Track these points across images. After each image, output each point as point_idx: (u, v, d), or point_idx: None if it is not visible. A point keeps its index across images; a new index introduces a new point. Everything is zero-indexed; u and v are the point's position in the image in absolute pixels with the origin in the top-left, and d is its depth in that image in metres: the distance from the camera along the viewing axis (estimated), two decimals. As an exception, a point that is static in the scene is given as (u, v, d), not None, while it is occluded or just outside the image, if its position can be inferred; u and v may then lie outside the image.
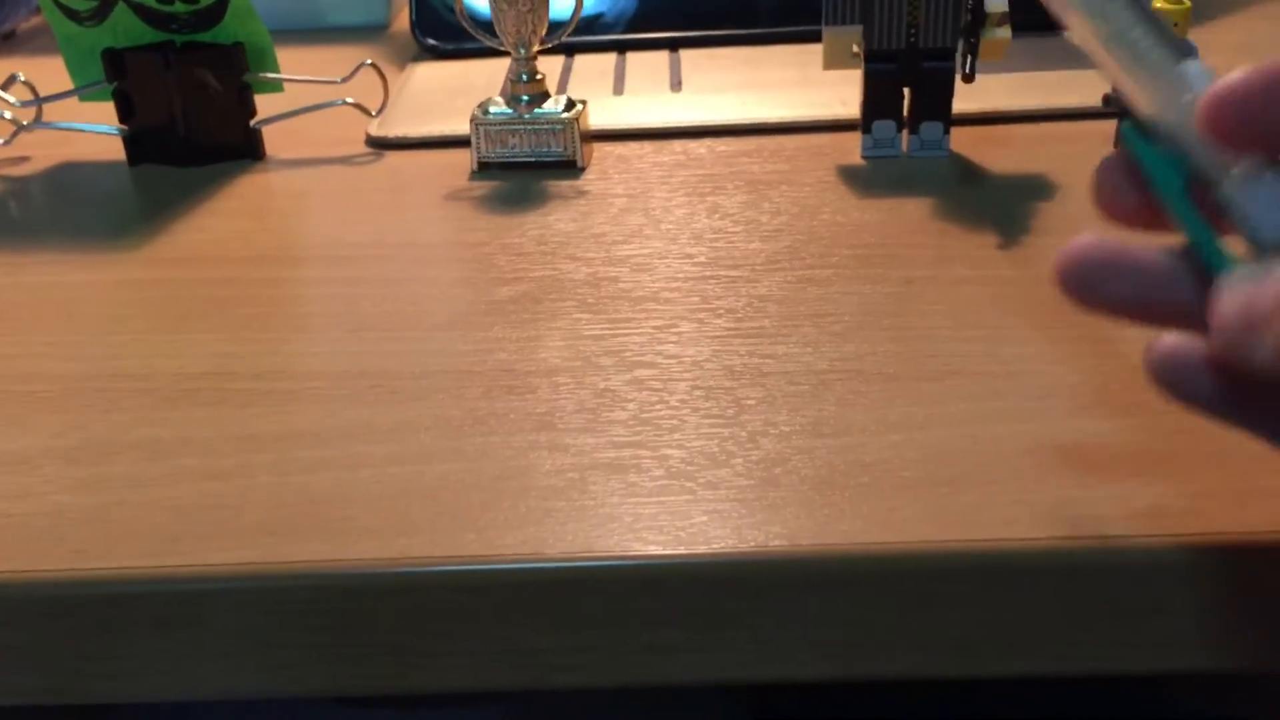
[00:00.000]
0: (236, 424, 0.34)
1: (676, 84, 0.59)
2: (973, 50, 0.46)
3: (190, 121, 0.52)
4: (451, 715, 0.73)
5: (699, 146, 0.52)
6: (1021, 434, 0.31)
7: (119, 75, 0.52)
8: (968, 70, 0.47)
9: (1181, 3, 0.45)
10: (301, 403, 0.35)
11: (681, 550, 0.28)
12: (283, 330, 0.39)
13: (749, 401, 0.34)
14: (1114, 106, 0.48)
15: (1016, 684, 0.70)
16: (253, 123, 0.53)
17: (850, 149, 0.50)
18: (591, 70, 0.61)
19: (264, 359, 0.37)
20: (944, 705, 0.81)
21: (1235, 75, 0.22)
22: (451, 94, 0.58)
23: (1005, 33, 0.46)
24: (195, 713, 0.74)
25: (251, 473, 0.31)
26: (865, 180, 0.48)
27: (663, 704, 0.73)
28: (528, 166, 0.50)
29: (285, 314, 0.40)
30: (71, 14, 0.51)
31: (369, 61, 0.53)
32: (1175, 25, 0.46)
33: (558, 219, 0.46)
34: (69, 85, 0.53)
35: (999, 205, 0.45)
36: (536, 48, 0.50)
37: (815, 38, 0.49)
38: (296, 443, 0.33)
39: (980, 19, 0.46)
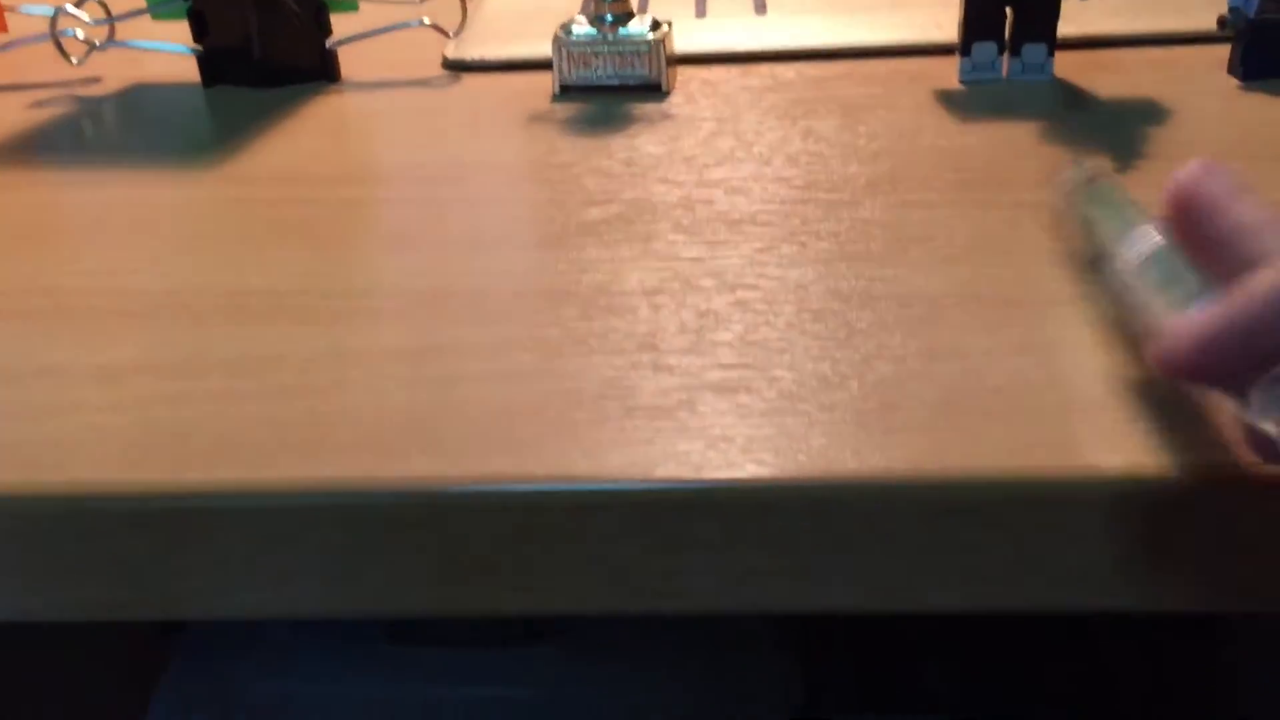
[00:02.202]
0: (330, 340, 0.33)
1: (761, 6, 0.56)
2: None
3: (265, 42, 0.51)
4: (496, 656, 0.73)
5: (787, 70, 0.50)
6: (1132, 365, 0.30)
7: (193, -7, 0.51)
8: (1080, -16, 0.44)
9: None
10: (394, 320, 0.33)
11: (799, 473, 0.27)
12: (370, 248, 0.38)
13: (860, 325, 0.32)
14: (1229, 29, 0.46)
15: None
16: (328, 43, 0.51)
17: (946, 74, 0.48)
18: (671, -7, 0.59)
19: (353, 276, 0.36)
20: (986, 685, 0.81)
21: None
22: (529, 16, 0.56)
23: (1119, -53, 0.44)
24: (262, 634, 0.74)
25: (348, 389, 0.30)
26: (964, 105, 0.46)
27: (709, 652, 0.72)
28: (610, 90, 0.49)
29: (371, 232, 0.39)
30: (145, -71, 0.50)
31: (447, -20, 0.52)
32: None
33: (645, 142, 0.44)
34: (142, 4, 0.52)
35: (1107, 130, 0.43)
36: (622, -36, 0.48)
37: (909, -42, 0.47)
38: (392, 360, 0.32)
39: (1094, -69, 0.43)
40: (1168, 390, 0.28)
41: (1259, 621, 0.64)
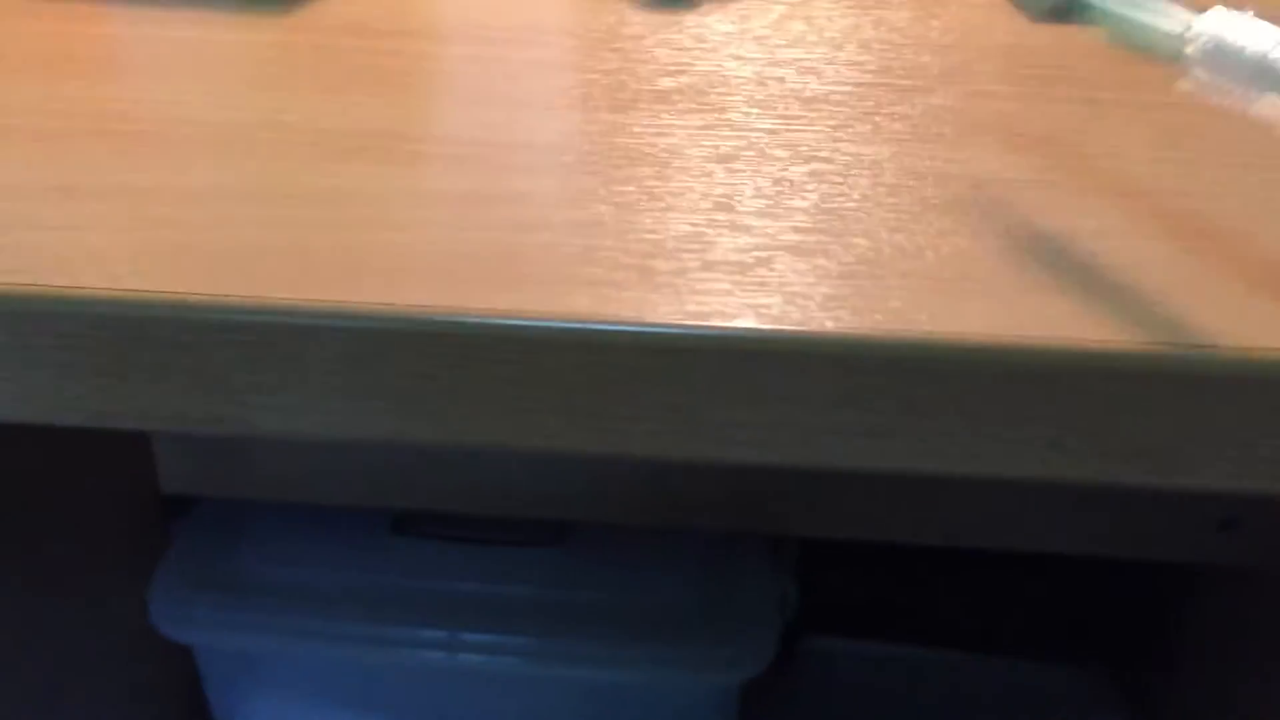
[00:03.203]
0: (408, 181, 0.33)
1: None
2: None
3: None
4: (497, 553, 0.74)
5: (858, -38, 0.50)
6: (1223, 249, 0.30)
7: None
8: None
9: None
10: (472, 167, 0.34)
11: (874, 331, 0.27)
12: (445, 101, 0.38)
13: (935, 201, 0.32)
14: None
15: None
16: (396, -97, 0.51)
17: (1018, -23, 0.48)
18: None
19: (429, 125, 0.36)
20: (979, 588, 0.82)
21: None
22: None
23: None
24: (266, 519, 0.75)
25: (428, 226, 0.31)
26: (1039, 6, 0.46)
27: (713, 562, 0.74)
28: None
29: (446, 86, 0.39)
30: None
31: None
32: None
33: (716, 20, 0.44)
34: None
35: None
36: None
37: None
38: (471, 203, 0.32)
39: None
40: (1236, 278, 0.29)
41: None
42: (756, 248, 0.30)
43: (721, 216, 0.31)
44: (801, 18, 0.44)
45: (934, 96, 0.38)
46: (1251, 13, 0.26)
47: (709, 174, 0.33)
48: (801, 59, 0.41)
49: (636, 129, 0.36)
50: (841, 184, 0.33)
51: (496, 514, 0.73)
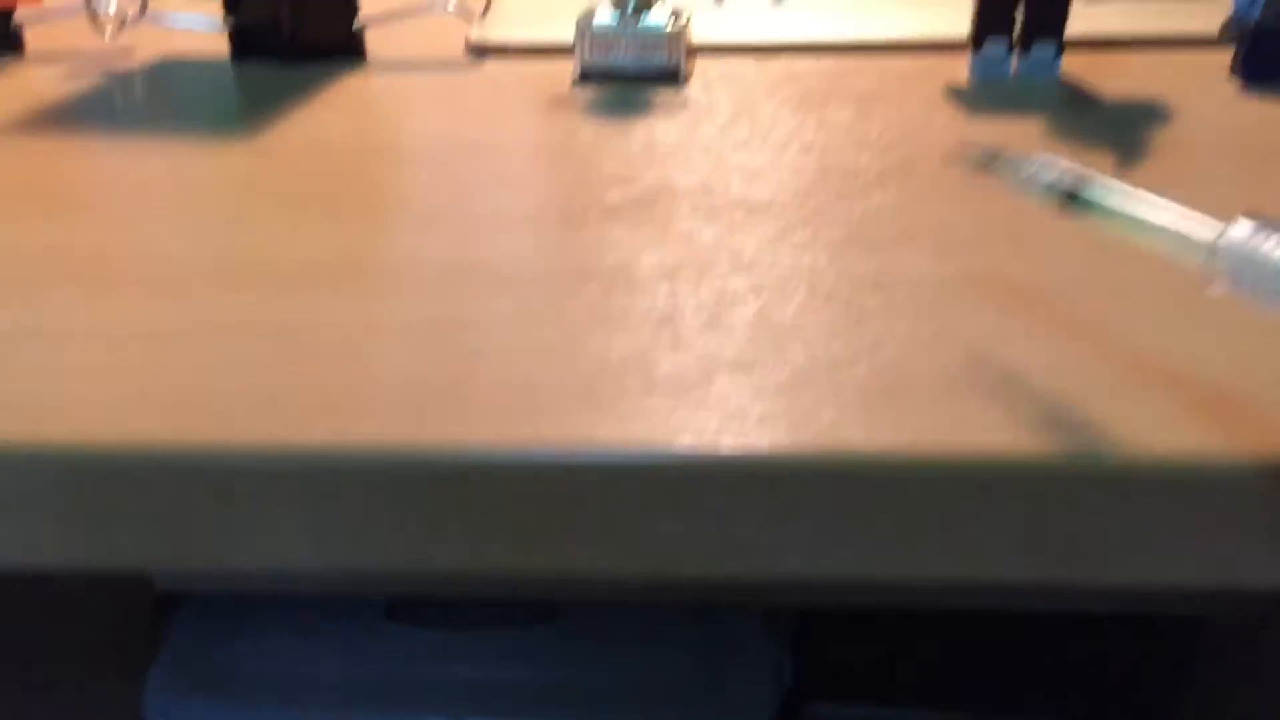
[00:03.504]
0: (361, 310, 0.34)
1: (778, -2, 0.58)
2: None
3: (296, 19, 0.52)
4: (497, 637, 0.74)
5: (802, 63, 0.52)
6: (1138, 350, 0.31)
7: (226, -30, 0.52)
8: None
9: None
10: (423, 292, 0.35)
11: (809, 445, 0.28)
12: (399, 222, 0.39)
13: (871, 307, 0.34)
14: (1233, 32, 0.47)
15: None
16: (356, 23, 0.53)
17: (957, 70, 0.50)
18: (690, -17, 0.61)
19: (381, 249, 0.38)
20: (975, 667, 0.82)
21: None
22: (552, 1, 0.58)
23: (1129, -48, 0.45)
24: (259, 611, 0.76)
25: (381, 357, 0.32)
26: (974, 101, 0.47)
27: (707, 635, 0.74)
28: (630, 77, 0.50)
29: (400, 207, 0.41)
30: (181, -93, 0.51)
31: (474, -35, 0.53)
32: None
33: (664, 128, 0.46)
34: (173, -22, 0.54)
35: (1112, 129, 0.44)
36: (645, -45, 0.49)
37: (921, -47, 0.48)
38: (422, 330, 0.33)
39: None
40: (1139, 384, 0.30)
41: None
42: (696, 364, 0.31)
43: (665, 333, 0.33)
44: (747, 121, 0.46)
45: (872, 198, 0.40)
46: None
47: (653, 289, 0.35)
48: (745, 164, 0.42)
49: (584, 245, 0.37)
50: (781, 294, 0.34)
51: (488, 596, 0.74)
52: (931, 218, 0.38)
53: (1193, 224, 0.27)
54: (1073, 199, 0.30)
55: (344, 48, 0.53)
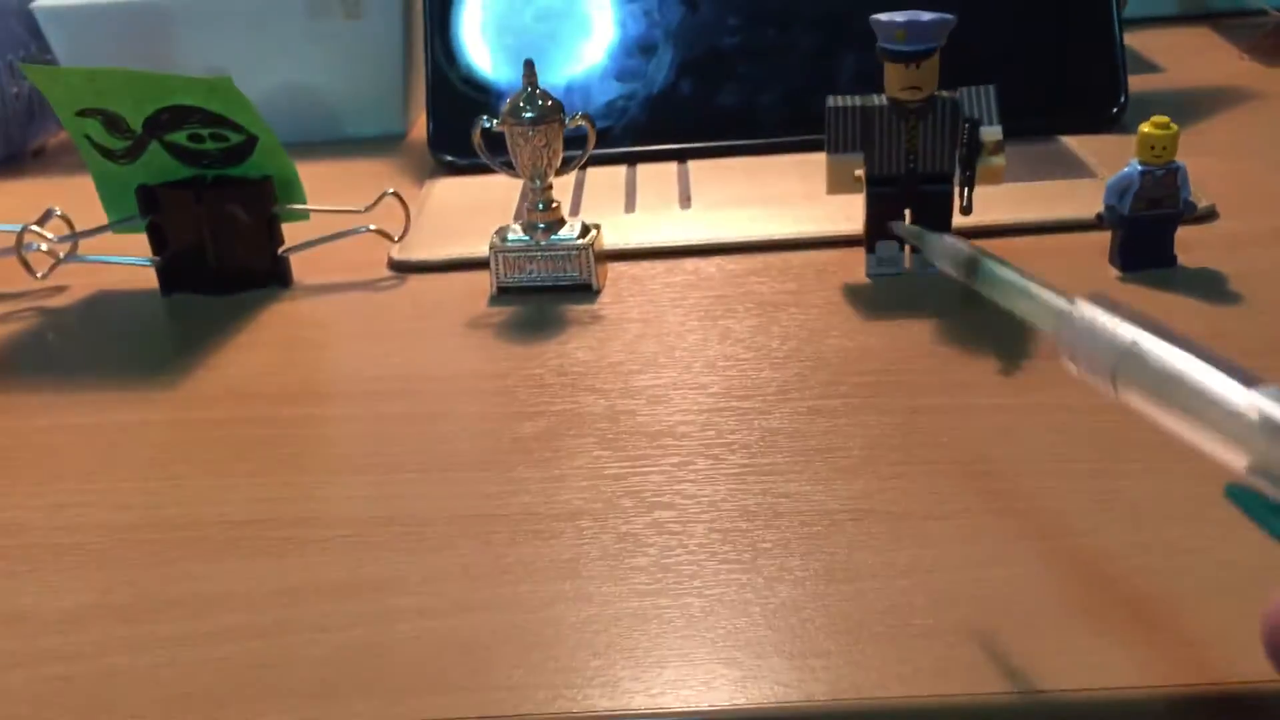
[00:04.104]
0: (276, 576, 0.35)
1: (685, 199, 0.61)
2: (969, 182, 0.48)
3: (220, 252, 0.54)
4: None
5: (709, 265, 0.54)
6: (1026, 577, 0.33)
7: (152, 209, 0.54)
8: (965, 204, 0.49)
9: (1169, 128, 0.47)
10: (338, 552, 0.36)
11: (704, 707, 0.30)
12: (317, 472, 0.41)
13: (765, 545, 0.35)
14: (1106, 223, 0.50)
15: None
16: (280, 251, 0.55)
17: (855, 265, 0.52)
18: (603, 185, 0.63)
19: (300, 504, 0.39)
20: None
21: None
22: (470, 213, 0.60)
23: (1000, 160, 0.48)
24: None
25: (292, 629, 0.33)
26: (870, 300, 0.50)
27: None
28: (545, 289, 0.52)
29: (318, 454, 0.42)
30: (107, 153, 0.54)
31: (391, 191, 0.56)
32: (1165, 149, 0.48)
33: (575, 347, 0.48)
34: (101, 206, 0.56)
35: (1001, 326, 0.46)
36: (551, 178, 0.52)
37: (817, 146, 0.51)
38: (334, 596, 0.34)
39: (976, 149, 0.48)
40: (1037, 612, 0.31)
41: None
42: (597, 619, 0.33)
43: (568, 586, 0.34)
44: (655, 335, 0.48)
45: (771, 418, 0.42)
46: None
47: (558, 535, 0.36)
48: (651, 385, 0.44)
49: (494, 488, 0.39)
50: (680, 533, 0.36)
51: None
52: (824, 440, 0.40)
53: (1050, 295, 0.30)
54: (971, 270, 0.35)
55: (269, 275, 0.55)
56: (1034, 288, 0.31)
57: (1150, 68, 0.76)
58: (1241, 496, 0.23)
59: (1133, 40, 0.67)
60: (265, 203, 0.54)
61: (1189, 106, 0.70)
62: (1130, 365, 0.26)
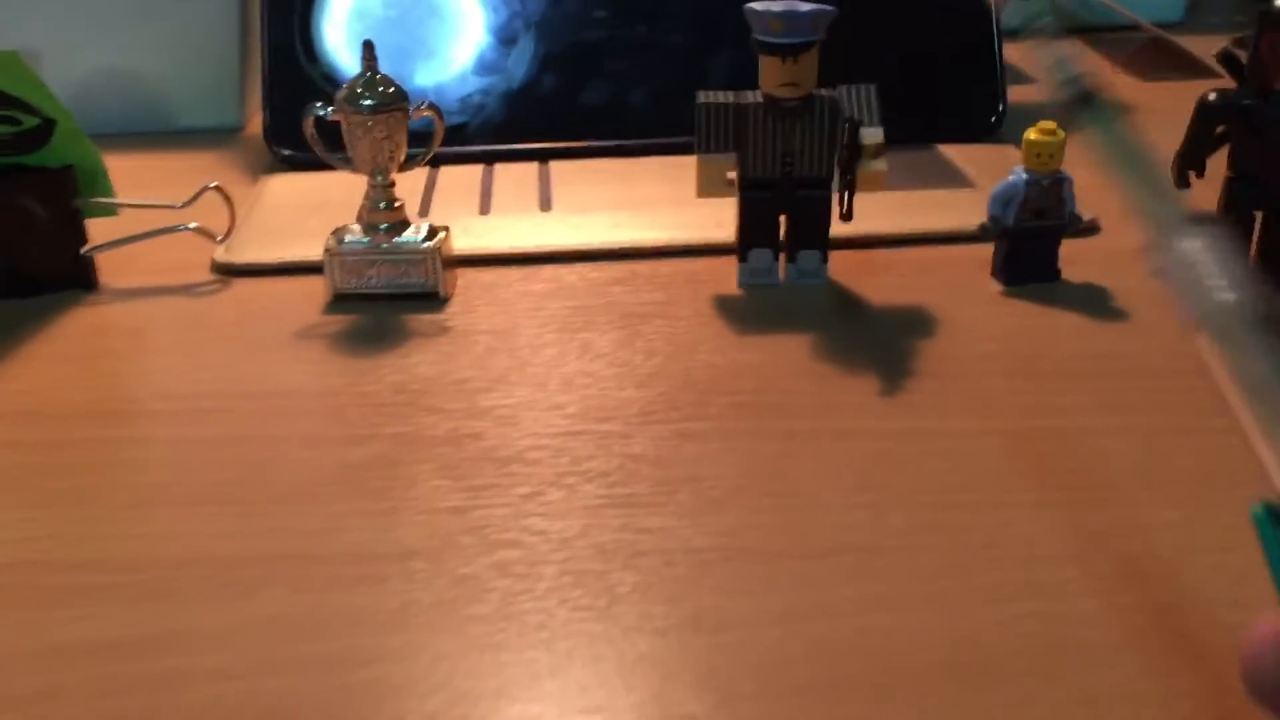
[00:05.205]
0: (44, 632, 0.30)
1: (546, 202, 0.56)
2: (849, 187, 0.45)
3: (13, 251, 0.48)
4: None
5: (570, 273, 0.50)
6: (910, 625, 0.29)
7: (-67, 200, 0.47)
8: (845, 211, 0.45)
9: (1055, 134, 0.45)
10: (122, 601, 0.31)
11: (547, 786, 0.25)
12: (107, 506, 0.35)
13: (622, 589, 0.31)
14: (990, 233, 0.47)
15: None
16: (84, 250, 0.48)
17: (727, 275, 0.49)
18: (457, 185, 0.58)
19: (82, 544, 0.33)
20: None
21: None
22: (308, 211, 0.54)
23: (882, 164, 0.45)
24: None
25: (59, 697, 0.27)
26: (743, 312, 0.46)
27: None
28: (387, 297, 0.47)
29: (111, 485, 0.36)
30: (-121, 135, 0.47)
31: (214, 184, 0.50)
32: (1051, 157, 0.45)
33: (417, 361, 0.43)
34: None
35: (880, 343, 0.43)
36: (394, 174, 0.47)
37: (687, 149, 0.47)
38: (113, 656, 0.29)
39: (856, 153, 0.44)
40: (922, 665, 0.28)
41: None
42: (426, 679, 0.28)
43: (394, 641, 0.29)
44: (507, 349, 0.44)
45: (633, 442, 0.37)
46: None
47: (386, 579, 0.31)
48: (500, 405, 0.40)
49: (312, 524, 0.34)
50: (527, 575, 0.31)
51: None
52: (691, 466, 0.36)
53: (1167, 202, 0.26)
54: (1086, 104, 0.28)
55: (71, 277, 0.48)
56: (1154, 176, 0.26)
57: (1026, 79, 0.74)
58: (1265, 522, 0.22)
59: (1010, 53, 0.65)
60: (65, 195, 0.47)
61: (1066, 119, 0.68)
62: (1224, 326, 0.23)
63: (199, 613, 0.30)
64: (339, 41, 0.62)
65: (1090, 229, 0.52)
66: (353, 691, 0.27)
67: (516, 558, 0.32)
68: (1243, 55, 0.45)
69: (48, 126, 0.46)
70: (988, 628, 0.29)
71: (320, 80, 0.62)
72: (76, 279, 0.49)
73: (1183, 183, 0.46)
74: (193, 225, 0.50)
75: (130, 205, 0.49)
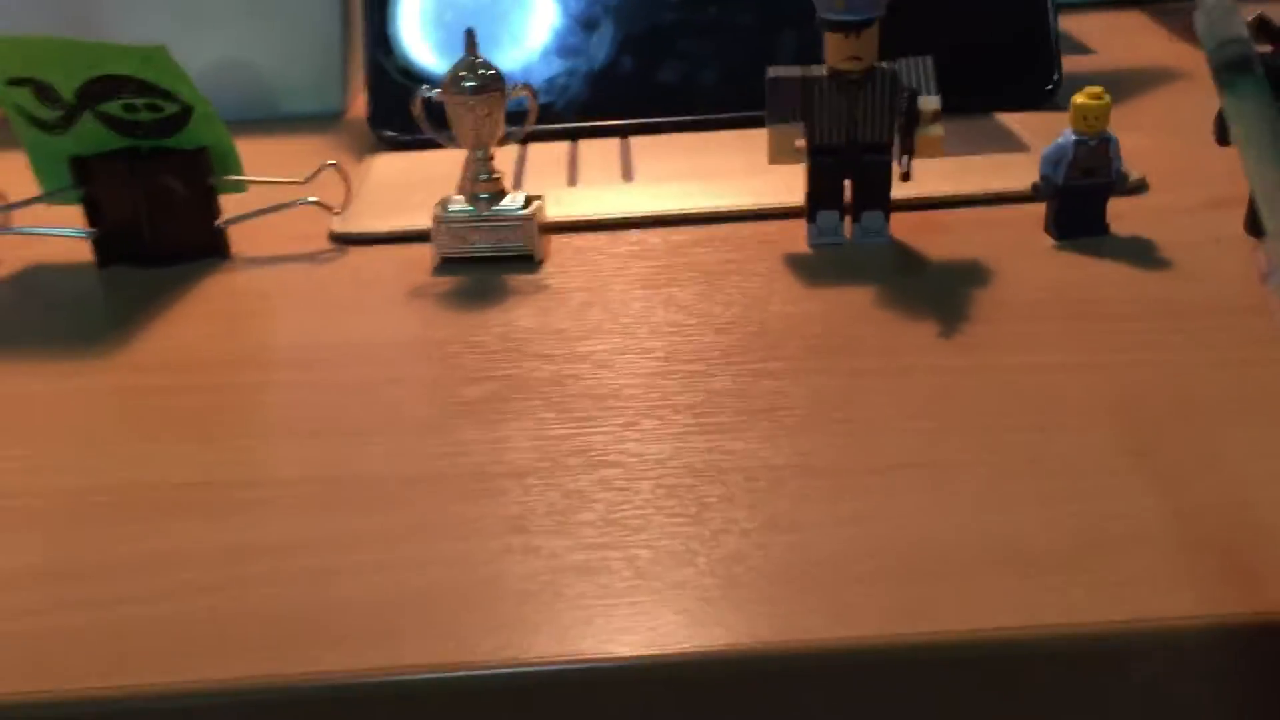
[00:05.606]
0: (223, 535, 0.35)
1: (628, 173, 0.61)
2: (909, 150, 0.49)
3: (156, 224, 0.53)
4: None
5: (653, 236, 0.55)
6: (963, 524, 0.34)
7: (86, 181, 0.53)
8: (905, 170, 0.49)
9: (1101, 99, 0.48)
10: (283, 511, 0.36)
11: (652, 651, 0.30)
12: (258, 437, 0.40)
13: (710, 499, 0.35)
14: (1042, 193, 0.51)
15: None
16: (218, 223, 0.54)
17: (797, 236, 0.53)
18: (546, 160, 0.63)
19: (242, 468, 0.39)
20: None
21: None
22: (411, 187, 0.60)
23: (938, 130, 0.49)
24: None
25: (244, 584, 0.33)
26: (812, 269, 0.50)
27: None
28: (488, 260, 0.52)
29: (260, 420, 0.42)
30: (39, 123, 0.53)
31: (332, 162, 0.55)
32: (1097, 119, 0.49)
33: (520, 315, 0.48)
34: (34, 184, 0.55)
35: (939, 293, 0.47)
36: (494, 149, 0.52)
37: (757, 122, 0.51)
38: (286, 553, 0.34)
39: (914, 119, 0.49)
40: (975, 559, 0.32)
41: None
42: (545, 570, 0.33)
43: (515, 540, 0.34)
44: (600, 304, 0.48)
45: (715, 380, 0.42)
46: None
47: (505, 492, 0.36)
48: (596, 351, 0.45)
49: (442, 449, 0.39)
50: (626, 489, 0.36)
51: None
52: (769, 400, 0.40)
53: None
54: (1241, 70, 0.26)
55: (207, 248, 0.54)
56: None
57: (1083, 49, 0.77)
58: None
59: (1066, 24, 0.68)
60: (202, 174, 0.53)
61: (1120, 86, 0.71)
62: None
63: (352, 520, 0.35)
64: (434, 31, 0.67)
65: (1138, 187, 0.55)
66: (484, 580, 0.32)
67: (617, 475, 0.37)
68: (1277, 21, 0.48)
69: (186, 112, 0.52)
70: (1032, 525, 0.33)
71: (417, 67, 0.67)
72: (212, 249, 0.54)
73: None
74: (313, 199, 0.55)
75: (258, 181, 0.55)
